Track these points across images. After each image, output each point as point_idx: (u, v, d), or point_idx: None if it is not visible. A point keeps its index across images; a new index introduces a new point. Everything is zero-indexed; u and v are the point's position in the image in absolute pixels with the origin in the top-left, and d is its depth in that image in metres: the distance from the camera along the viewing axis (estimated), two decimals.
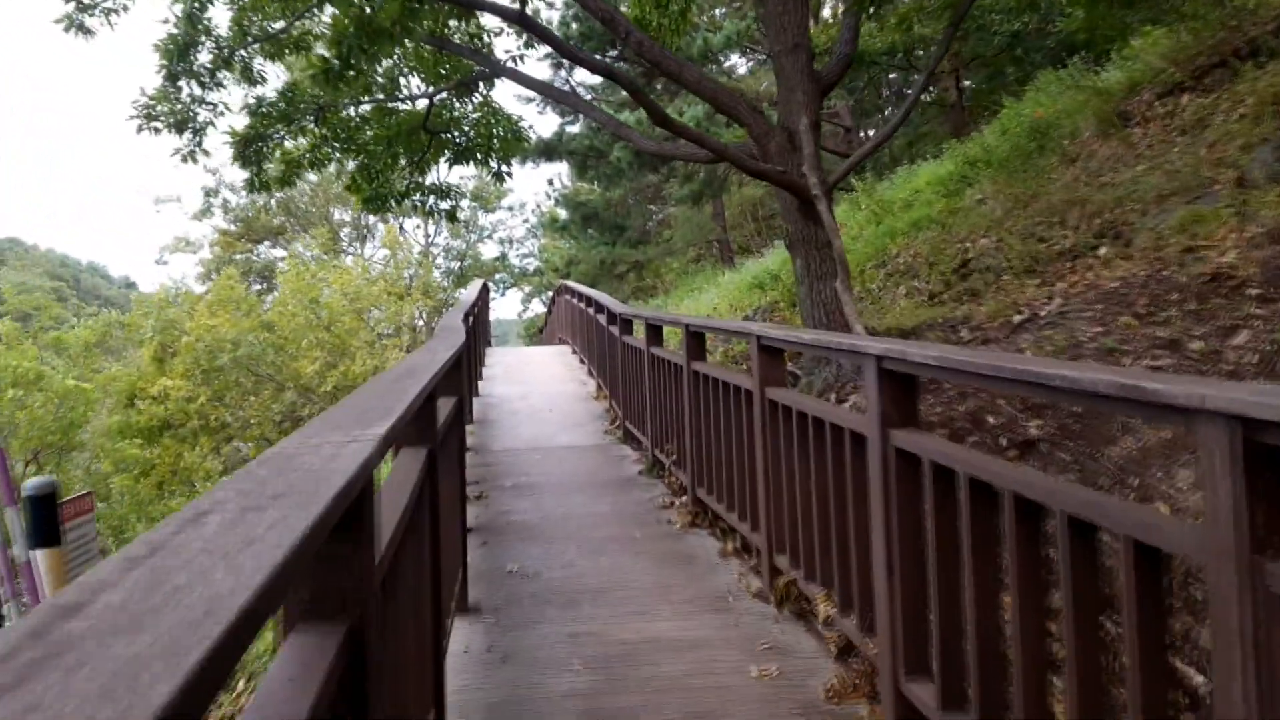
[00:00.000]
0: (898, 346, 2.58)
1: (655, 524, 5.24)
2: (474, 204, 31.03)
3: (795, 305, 9.33)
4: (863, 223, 10.91)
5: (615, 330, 8.23)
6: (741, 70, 22.82)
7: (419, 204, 9.51)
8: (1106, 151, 8.00)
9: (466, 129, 8.88)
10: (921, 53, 14.44)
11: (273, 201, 26.31)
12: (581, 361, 12.72)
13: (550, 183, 30.11)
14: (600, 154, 19.96)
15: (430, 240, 29.62)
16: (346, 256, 26.21)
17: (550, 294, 21.44)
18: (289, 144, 8.92)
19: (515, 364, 13.18)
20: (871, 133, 20.76)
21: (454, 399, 3.85)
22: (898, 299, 7.36)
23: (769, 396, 3.91)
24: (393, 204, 9.50)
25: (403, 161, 9.24)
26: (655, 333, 6.49)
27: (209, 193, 26.59)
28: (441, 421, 2.99)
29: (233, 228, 27.06)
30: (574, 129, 20.94)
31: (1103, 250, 6.01)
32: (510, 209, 32.84)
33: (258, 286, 25.79)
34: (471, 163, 9.19)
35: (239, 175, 32.43)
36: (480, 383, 11.23)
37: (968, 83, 17.91)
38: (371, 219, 26.69)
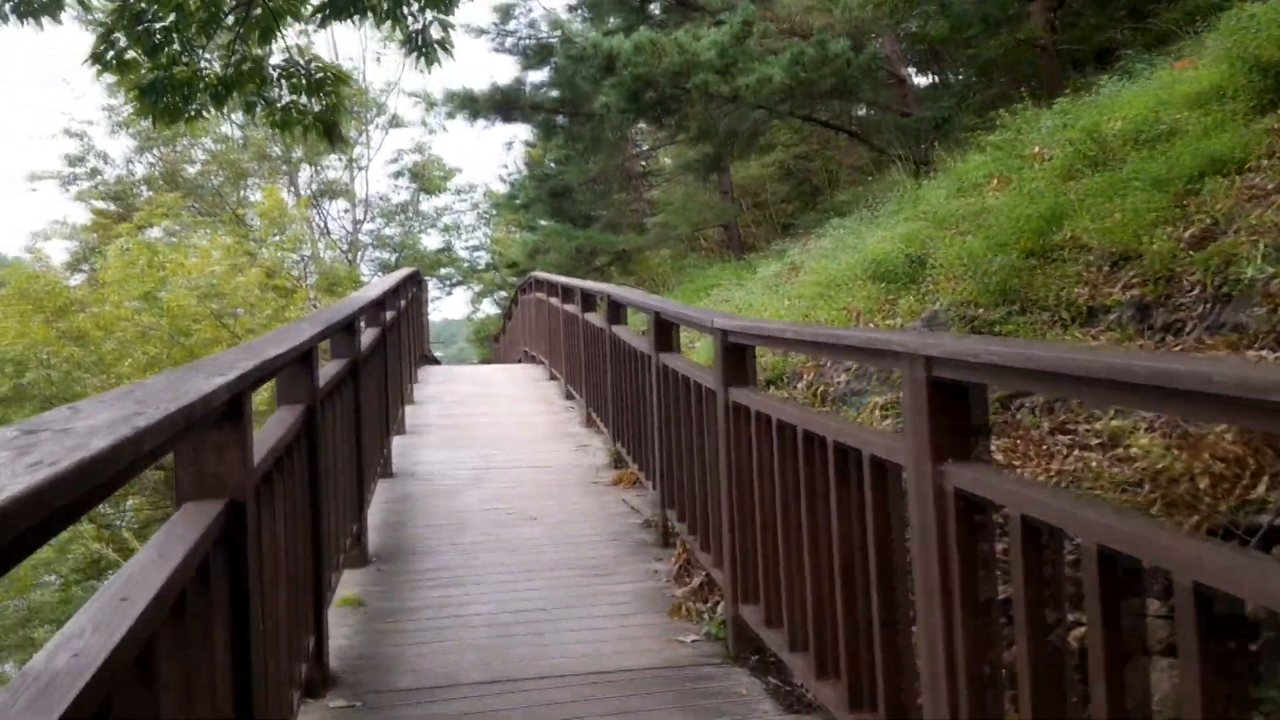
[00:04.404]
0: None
1: None
2: (413, 185, 26.05)
3: (1026, 309, 4.79)
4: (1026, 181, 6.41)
5: (699, 377, 3.59)
6: None
7: (260, 105, 4.74)
8: None
9: None
10: None
11: (157, 173, 21.08)
12: (569, 396, 8.03)
13: (509, 148, 25.13)
14: (575, 108, 15.21)
15: (358, 225, 24.56)
16: (262, 249, 21.01)
17: (512, 292, 16.70)
18: None
19: (462, 399, 8.42)
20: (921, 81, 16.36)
21: None
22: None
23: None
24: (206, 105, 4.72)
25: (229, 20, 4.49)
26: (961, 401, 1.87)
27: (73, 161, 21.23)
28: None
29: (111, 207, 21.81)
30: (539, 75, 16.17)
31: None
32: (458, 192, 27.90)
33: None
34: (370, 14, 4.46)
35: (112, 143, 26.60)
36: (403, 439, 6.49)
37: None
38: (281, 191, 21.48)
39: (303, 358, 2.78)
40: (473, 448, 6.29)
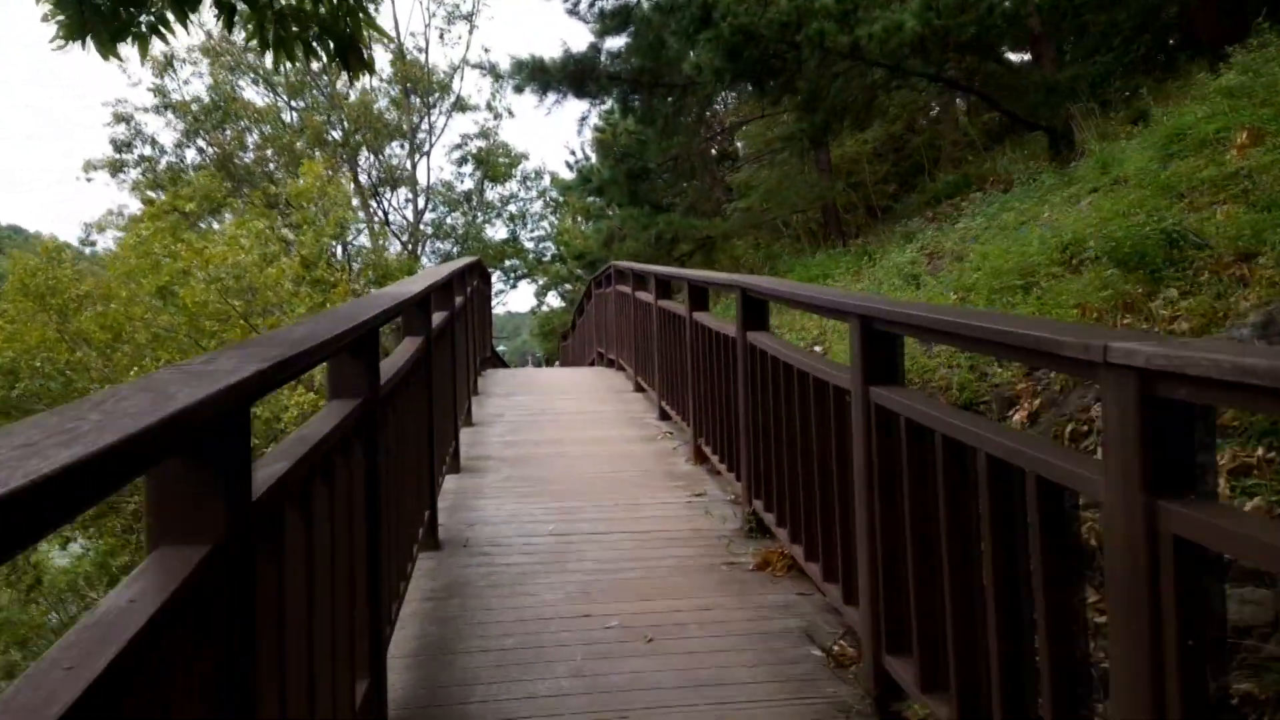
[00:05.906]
0: None
1: None
2: (478, 171, 24.64)
3: None
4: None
5: (1045, 466, 1.86)
6: None
7: (241, 11, 3.15)
8: None
9: None
10: None
11: (208, 160, 20.00)
12: (664, 416, 6.38)
13: (581, 125, 23.51)
14: (656, 77, 13.51)
15: (420, 215, 23.21)
16: (299, 234, 19.67)
17: (583, 285, 15.14)
18: None
19: (532, 419, 6.82)
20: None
21: None
22: None
23: None
24: (163, 15, 3.15)
25: None
26: None
27: (119, 147, 20.24)
28: None
29: (162, 196, 20.84)
30: (616, 42, 14.50)
31: None
32: (524, 179, 26.44)
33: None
34: None
35: (159, 123, 25.56)
36: (457, 480, 4.90)
37: None
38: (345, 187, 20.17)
39: (210, 424, 1.17)
40: (548, 496, 4.65)
